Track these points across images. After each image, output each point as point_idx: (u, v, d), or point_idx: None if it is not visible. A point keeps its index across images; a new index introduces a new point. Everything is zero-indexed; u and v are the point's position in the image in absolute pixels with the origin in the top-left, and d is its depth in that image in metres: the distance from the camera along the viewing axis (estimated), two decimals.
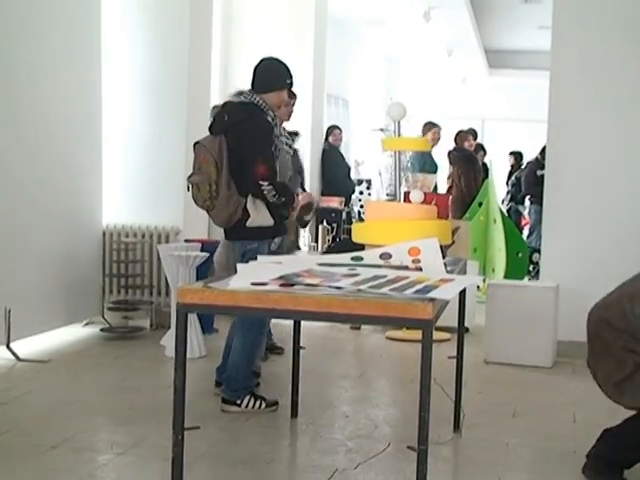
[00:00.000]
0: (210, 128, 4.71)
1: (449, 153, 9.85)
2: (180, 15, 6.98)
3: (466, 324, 4.57)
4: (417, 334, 3.22)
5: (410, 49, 15.95)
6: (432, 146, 8.79)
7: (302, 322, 4.56)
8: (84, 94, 6.52)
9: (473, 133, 10.56)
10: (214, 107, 7.22)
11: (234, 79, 8.80)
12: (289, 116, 5.52)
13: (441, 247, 3.49)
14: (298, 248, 7.88)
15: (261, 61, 4.73)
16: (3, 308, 5.55)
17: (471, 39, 14.47)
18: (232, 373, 4.65)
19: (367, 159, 13.87)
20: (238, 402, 4.61)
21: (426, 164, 8.82)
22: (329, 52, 10.39)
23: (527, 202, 11.24)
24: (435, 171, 8.89)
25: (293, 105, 5.64)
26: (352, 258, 3.49)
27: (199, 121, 7.28)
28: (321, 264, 3.43)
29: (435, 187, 7.31)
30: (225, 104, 4.83)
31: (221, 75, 9.10)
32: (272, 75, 4.65)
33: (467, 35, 14.08)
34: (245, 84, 4.76)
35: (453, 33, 13.87)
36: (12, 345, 5.66)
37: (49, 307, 6.22)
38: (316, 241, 9.38)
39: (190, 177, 4.68)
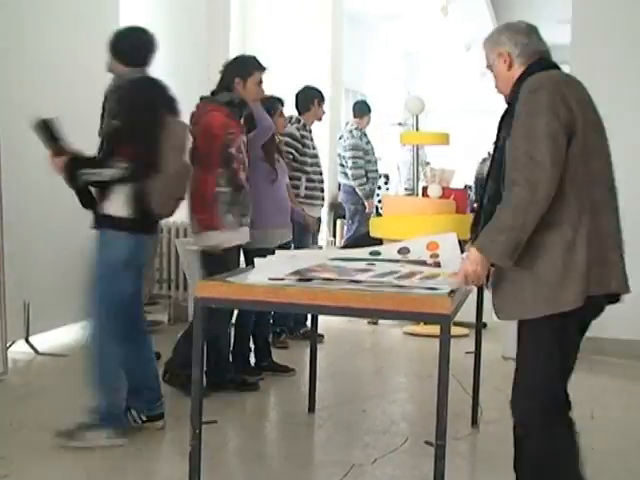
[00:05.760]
0: None
1: None
2: (197, 12, 7.02)
3: (484, 319, 4.54)
4: (435, 329, 3.21)
5: (428, 43, 15.89)
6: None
7: (319, 316, 4.56)
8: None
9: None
10: None
11: None
12: None
13: (459, 242, 3.48)
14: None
15: None
16: (22, 302, 5.57)
17: None
18: None
19: (385, 153, 13.82)
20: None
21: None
22: (346, 47, 10.36)
23: None
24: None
25: None
26: (370, 253, 3.49)
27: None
28: (335, 258, 3.42)
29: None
30: None
31: None
32: None
33: (486, 29, 13.81)
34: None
35: (471, 27, 13.80)
36: (31, 339, 5.68)
37: (67, 301, 6.22)
38: (334, 236, 9.39)
39: None
